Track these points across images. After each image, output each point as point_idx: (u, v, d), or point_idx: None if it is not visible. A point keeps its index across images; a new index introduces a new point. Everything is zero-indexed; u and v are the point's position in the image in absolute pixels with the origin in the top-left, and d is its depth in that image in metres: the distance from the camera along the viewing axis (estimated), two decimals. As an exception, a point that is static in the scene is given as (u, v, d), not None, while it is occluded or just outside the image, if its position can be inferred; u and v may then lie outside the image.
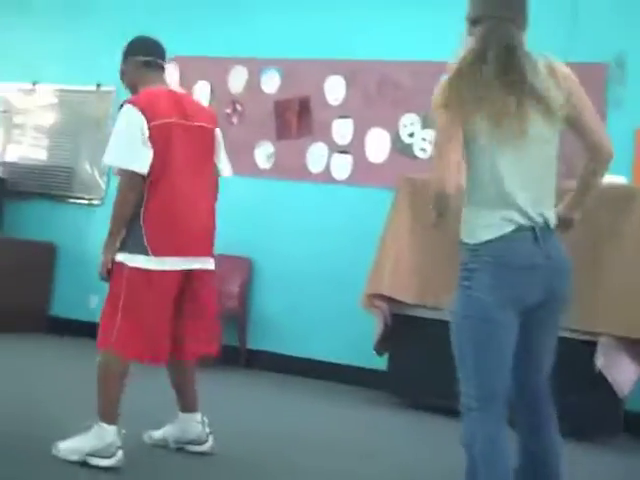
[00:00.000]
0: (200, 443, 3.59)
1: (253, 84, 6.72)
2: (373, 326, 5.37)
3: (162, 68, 3.66)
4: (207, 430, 3.60)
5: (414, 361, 5.26)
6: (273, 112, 6.61)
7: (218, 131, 3.67)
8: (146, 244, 3.34)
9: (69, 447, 3.30)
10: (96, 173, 7.22)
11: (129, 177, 3.35)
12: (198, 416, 3.62)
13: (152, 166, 3.35)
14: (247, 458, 3.65)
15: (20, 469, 3.11)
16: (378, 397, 5.44)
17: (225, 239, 6.55)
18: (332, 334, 6.13)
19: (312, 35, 6.48)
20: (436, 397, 5.20)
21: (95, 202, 7.20)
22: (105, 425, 3.28)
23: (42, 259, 7.15)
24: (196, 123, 3.53)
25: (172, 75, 6.93)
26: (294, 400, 5.25)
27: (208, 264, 3.56)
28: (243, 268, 6.36)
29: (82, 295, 7.04)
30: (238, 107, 6.77)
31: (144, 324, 3.33)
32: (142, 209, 3.36)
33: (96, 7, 7.24)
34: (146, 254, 3.34)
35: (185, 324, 3.51)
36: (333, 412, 4.99)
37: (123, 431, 3.32)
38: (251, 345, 6.34)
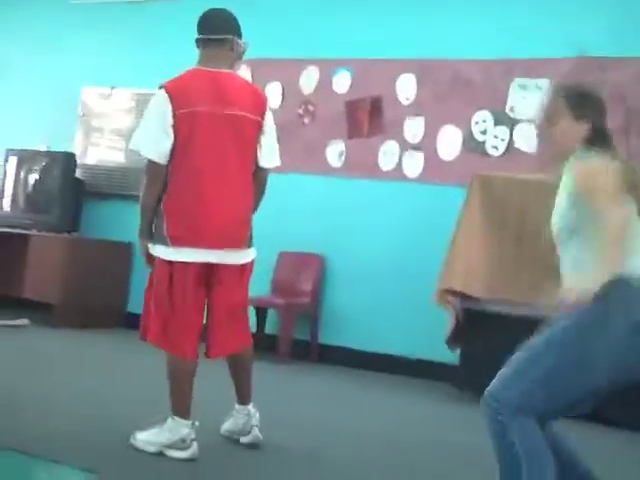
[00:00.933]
0: (243, 434, 3.53)
1: (325, 84, 6.79)
2: (445, 321, 5.38)
3: (218, 43, 3.37)
4: (253, 422, 3.51)
5: (485, 356, 5.23)
6: (344, 112, 6.68)
7: (266, 118, 3.40)
8: (165, 234, 3.26)
9: (146, 439, 3.34)
10: (171, 174, 7.38)
11: (150, 165, 3.30)
12: (247, 408, 3.55)
13: (174, 155, 3.25)
14: (315, 452, 3.67)
15: (101, 462, 3.19)
16: (450, 391, 5.45)
17: (298, 236, 6.72)
18: (403, 329, 6.15)
19: (383, 34, 6.52)
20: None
21: (171, 202, 7.37)
22: (178, 419, 3.30)
23: (120, 258, 7.34)
24: (231, 111, 3.29)
25: (244, 76, 7.08)
26: (365, 394, 5.30)
27: (229, 258, 3.33)
28: (315, 265, 6.44)
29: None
30: (310, 107, 6.85)
31: (168, 317, 3.27)
32: (163, 198, 3.29)
33: (170, 12, 7.42)
34: (165, 244, 3.27)
35: (212, 319, 3.39)
36: (403, 406, 5.02)
37: (197, 423, 3.34)
38: (323, 340, 6.41)
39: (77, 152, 7.74)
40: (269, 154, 3.45)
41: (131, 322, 7.23)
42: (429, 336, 5.82)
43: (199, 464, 3.28)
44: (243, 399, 3.56)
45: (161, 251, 3.28)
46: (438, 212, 6.06)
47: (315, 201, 6.51)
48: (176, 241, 3.25)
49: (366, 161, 6.56)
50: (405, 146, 6.45)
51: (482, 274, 5.32)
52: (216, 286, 3.33)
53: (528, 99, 6.08)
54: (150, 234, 3.36)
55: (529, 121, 6.07)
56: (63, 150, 7.58)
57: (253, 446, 3.51)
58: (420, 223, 6.20)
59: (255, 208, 3.53)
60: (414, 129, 6.45)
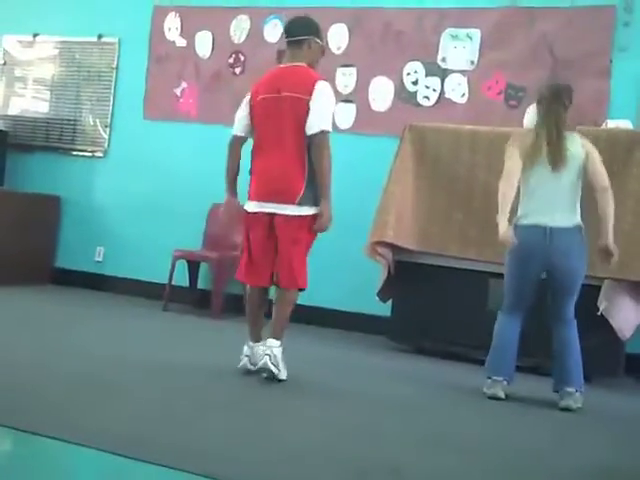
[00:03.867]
0: (253, 364, 4.17)
1: (256, 33, 6.67)
2: (377, 273, 5.40)
3: (292, 45, 4.22)
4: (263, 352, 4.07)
5: (417, 307, 5.31)
6: (276, 61, 6.56)
7: (314, 97, 4.03)
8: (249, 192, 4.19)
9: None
10: (99, 125, 7.21)
11: (232, 137, 4.29)
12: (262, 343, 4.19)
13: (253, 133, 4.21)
14: (251, 403, 3.69)
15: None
16: (381, 343, 5.50)
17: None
18: (336, 282, 6.17)
19: (314, -18, 6.41)
20: (437, 342, 5.27)
21: (98, 154, 7.21)
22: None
23: (47, 211, 7.17)
24: (284, 94, 4.05)
25: (173, 25, 6.91)
26: (297, 347, 5.29)
27: (281, 209, 4.06)
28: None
29: (88, 247, 7.10)
30: (241, 57, 6.73)
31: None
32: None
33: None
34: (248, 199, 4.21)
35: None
36: (336, 358, 5.03)
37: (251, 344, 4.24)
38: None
39: (-1, 103, 7.50)
40: (312, 123, 4.03)
41: (59, 277, 7.11)
42: (361, 289, 5.85)
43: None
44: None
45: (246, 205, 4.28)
46: (371, 163, 6.05)
47: (247, 152, 6.40)
48: (249, 196, 4.24)
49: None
50: (337, 97, 6.36)
51: (413, 225, 5.34)
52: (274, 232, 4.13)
53: (459, 49, 6.08)
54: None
55: (460, 71, 6.08)
56: (-16, 101, 7.33)
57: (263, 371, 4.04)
58: (353, 175, 6.18)
59: (318, 171, 4.10)
60: (346, 80, 6.39)
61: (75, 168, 7.26)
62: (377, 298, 5.46)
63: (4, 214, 6.75)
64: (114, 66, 7.18)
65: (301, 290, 4.17)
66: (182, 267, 6.45)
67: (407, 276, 5.35)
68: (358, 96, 6.34)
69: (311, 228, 4.12)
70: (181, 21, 6.91)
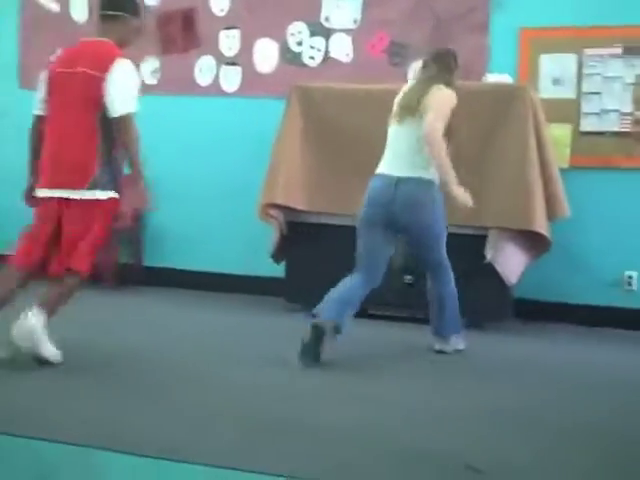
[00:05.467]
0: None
1: (133, -4, 6.47)
2: (270, 235, 5.40)
3: (104, 19, 3.98)
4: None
5: (310, 267, 5.33)
6: (156, 26, 6.42)
7: (110, 75, 3.79)
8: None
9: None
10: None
11: (33, 117, 3.98)
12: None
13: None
14: (150, 370, 3.65)
15: None
16: (279, 304, 5.50)
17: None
18: (230, 246, 6.13)
19: (192, -58, 6.27)
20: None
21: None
22: None
23: None
24: (79, 69, 3.81)
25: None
26: (194, 313, 5.27)
27: (72, 194, 3.78)
28: (135, 186, 6.23)
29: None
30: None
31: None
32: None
33: None
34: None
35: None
36: (233, 321, 5.03)
37: None
38: (148, 262, 6.29)
39: None
40: (115, 104, 3.81)
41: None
42: (255, 251, 5.83)
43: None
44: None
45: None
46: (259, 125, 6.00)
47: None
48: (39, 183, 3.94)
49: (182, 77, 6.37)
50: (222, 60, 6.31)
51: (303, 186, 5.34)
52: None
53: (342, 8, 6.08)
54: None
55: (344, 30, 6.08)
56: None
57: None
58: (242, 138, 6.13)
59: (128, 154, 3.83)
60: (229, 42, 6.31)
61: None
62: (271, 260, 5.46)
63: None
64: None
65: (83, 277, 3.83)
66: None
67: (300, 236, 5.36)
68: (243, 58, 6.26)
69: (106, 213, 3.83)
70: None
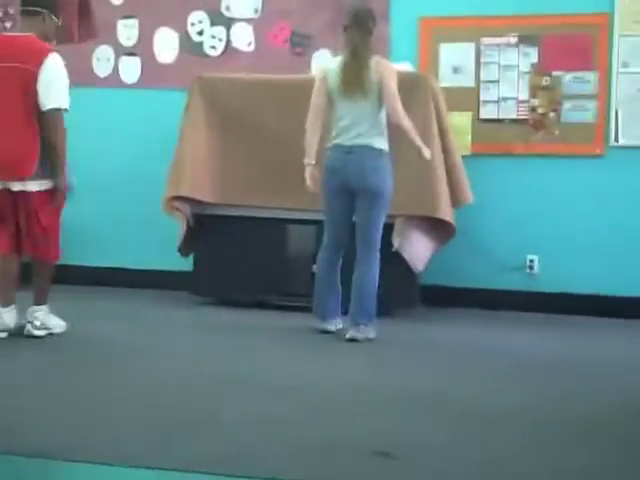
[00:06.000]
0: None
1: (26, -16, 6.25)
2: (176, 228, 5.33)
3: (26, 15, 4.15)
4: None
5: (218, 259, 5.30)
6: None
7: (43, 70, 3.94)
8: None
9: None
10: None
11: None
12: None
13: None
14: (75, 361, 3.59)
15: None
16: (186, 297, 5.44)
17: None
18: (136, 241, 6.02)
19: None
20: (241, 292, 5.30)
21: None
22: None
23: None
24: (13, 64, 3.93)
25: None
26: (105, 308, 5.17)
27: (18, 186, 3.99)
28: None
29: None
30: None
31: None
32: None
33: None
34: None
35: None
36: (144, 316, 4.96)
37: None
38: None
39: None
40: (45, 99, 3.96)
41: None
42: (161, 245, 5.74)
43: None
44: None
45: None
46: (161, 117, 5.91)
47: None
48: None
49: (80, 68, 6.18)
50: (120, 50, 6.17)
51: (209, 178, 5.28)
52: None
53: (243, -3, 6.02)
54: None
55: (245, 20, 6.03)
56: None
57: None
58: (144, 130, 6.02)
59: (50, 146, 3.99)
60: (128, 32, 6.17)
61: None
62: (178, 253, 5.38)
63: None
64: None
65: (53, 263, 4.22)
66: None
67: (207, 229, 5.31)
68: (142, 49, 6.14)
69: (50, 201, 4.07)
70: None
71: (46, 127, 3.97)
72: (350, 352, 4.12)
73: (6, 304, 4.13)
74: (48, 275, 4.22)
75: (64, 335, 4.24)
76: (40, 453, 2.39)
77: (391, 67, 4.43)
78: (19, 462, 2.36)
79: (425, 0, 5.68)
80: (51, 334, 4.18)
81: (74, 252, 6.07)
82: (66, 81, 4.10)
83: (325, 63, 4.56)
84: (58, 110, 3.99)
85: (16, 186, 4.01)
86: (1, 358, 3.78)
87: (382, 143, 4.37)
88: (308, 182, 4.45)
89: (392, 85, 4.32)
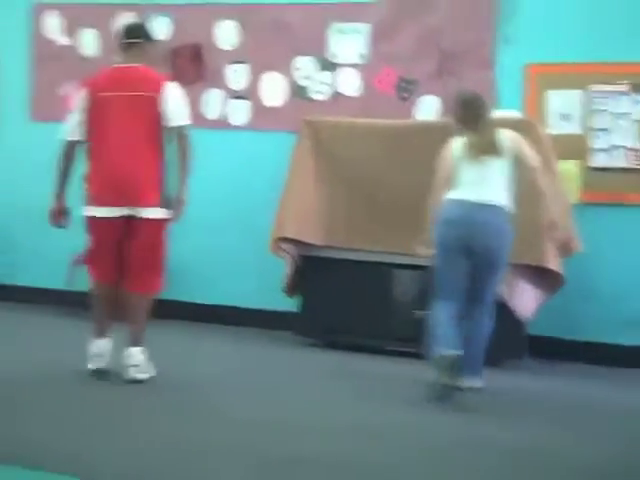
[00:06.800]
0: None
1: (142, 31, 6.51)
2: (282, 269, 5.41)
3: (130, 47, 4.28)
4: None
5: (323, 301, 5.35)
6: (166, 59, 6.45)
7: (165, 93, 4.13)
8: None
9: None
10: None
11: (68, 142, 4.29)
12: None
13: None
14: (166, 405, 3.65)
15: None
16: (289, 339, 5.50)
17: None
18: (242, 279, 6.13)
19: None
20: (345, 335, 5.33)
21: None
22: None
23: None
24: (133, 93, 4.09)
25: (55, 23, 6.68)
26: (205, 347, 5.26)
27: (139, 212, 4.06)
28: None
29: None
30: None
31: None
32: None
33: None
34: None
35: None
36: (247, 355, 5.03)
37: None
38: (163, 295, 6.25)
39: None
40: (169, 119, 4.14)
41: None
42: (268, 285, 5.83)
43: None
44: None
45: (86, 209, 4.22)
46: (268, 159, 6.04)
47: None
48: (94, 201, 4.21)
49: (191, 110, 6.38)
50: (230, 94, 6.35)
51: (316, 220, 5.38)
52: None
53: (348, 43, 6.13)
54: None
55: (351, 65, 6.14)
56: None
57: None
58: (251, 171, 6.16)
59: (179, 160, 4.19)
60: (238, 76, 6.35)
61: None
62: (284, 293, 5.47)
63: None
64: (-6, 67, 6.87)
65: (156, 293, 4.25)
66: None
67: (313, 270, 5.39)
68: (251, 92, 6.31)
69: (165, 231, 4.19)
70: (64, 19, 6.67)
71: (178, 141, 4.16)
72: (460, 401, 4.09)
73: (101, 335, 4.15)
74: (147, 309, 4.19)
75: (162, 374, 4.22)
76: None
77: (520, 138, 4.36)
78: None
79: (532, 46, 5.66)
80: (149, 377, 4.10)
81: (178, 288, 6.25)
82: (186, 102, 4.31)
83: (453, 145, 4.39)
84: (185, 126, 4.20)
85: (137, 212, 4.08)
86: (93, 394, 3.81)
87: (508, 202, 4.26)
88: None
89: (531, 155, 4.31)
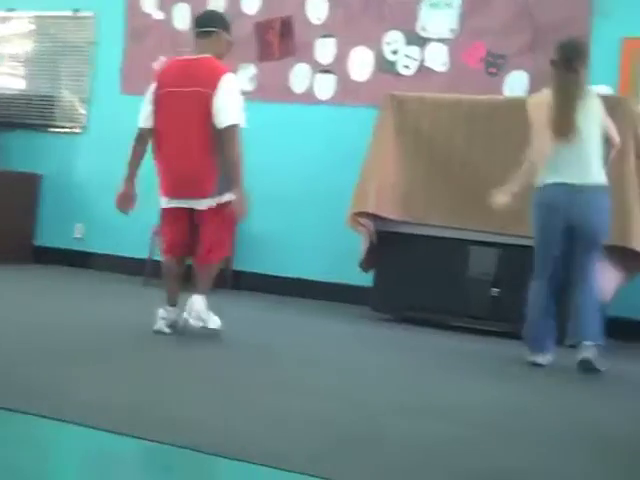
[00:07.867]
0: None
1: (233, 5, 6.59)
2: (359, 244, 5.39)
3: (201, 36, 4.22)
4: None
5: (399, 276, 5.30)
6: (254, 34, 6.51)
7: (219, 91, 4.01)
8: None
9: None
10: (76, 101, 7.13)
11: (140, 130, 4.22)
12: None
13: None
14: (244, 373, 3.68)
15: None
16: (364, 313, 5.48)
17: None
18: (319, 253, 6.15)
19: (291, -48, 6.33)
20: (419, 311, 5.27)
21: (77, 130, 7.13)
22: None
23: (26, 189, 7.10)
24: (190, 89, 4.04)
25: (150, -2, 6.84)
26: (282, 318, 5.29)
27: (198, 204, 4.12)
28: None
29: (67, 224, 7.03)
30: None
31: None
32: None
33: None
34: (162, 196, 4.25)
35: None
36: (321, 328, 5.02)
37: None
38: (237, 266, 6.36)
39: (-25, 80, 7.40)
40: (220, 117, 4.03)
41: (39, 256, 7.05)
42: (343, 259, 5.83)
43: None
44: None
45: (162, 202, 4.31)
46: (352, 134, 6.01)
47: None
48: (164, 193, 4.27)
49: (277, 84, 6.44)
50: (316, 68, 6.35)
51: (395, 195, 5.31)
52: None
53: (438, 17, 6.03)
54: None
55: (440, 40, 6.03)
56: (-41, 78, 7.22)
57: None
58: (334, 145, 6.16)
59: (228, 161, 4.07)
60: (325, 50, 6.34)
61: (54, 145, 7.18)
62: (359, 268, 5.44)
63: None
64: (91, 41, 7.09)
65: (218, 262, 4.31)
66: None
67: (389, 245, 5.34)
68: (338, 67, 6.29)
69: (229, 213, 4.13)
70: (157, -6, 6.82)
71: (224, 144, 4.04)
72: (532, 378, 3.98)
73: (172, 304, 4.26)
74: (213, 273, 4.27)
75: (240, 342, 4.28)
76: (196, 446, 2.44)
77: (601, 107, 4.26)
78: (170, 452, 2.42)
79: (629, 20, 5.44)
80: (209, 330, 4.15)
81: (257, 260, 6.33)
82: (241, 99, 4.16)
83: (536, 99, 4.29)
84: (235, 127, 4.05)
85: (194, 204, 4.13)
86: (163, 352, 3.87)
87: (604, 178, 4.19)
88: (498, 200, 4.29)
89: (613, 128, 4.28)
